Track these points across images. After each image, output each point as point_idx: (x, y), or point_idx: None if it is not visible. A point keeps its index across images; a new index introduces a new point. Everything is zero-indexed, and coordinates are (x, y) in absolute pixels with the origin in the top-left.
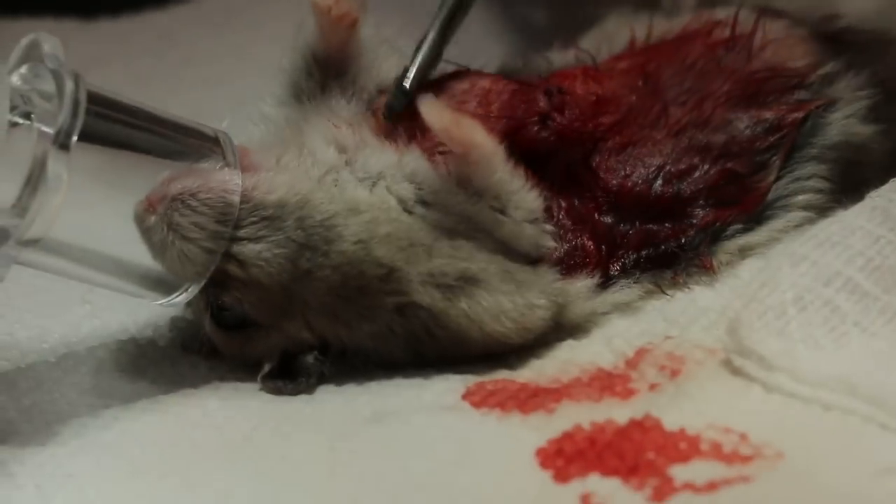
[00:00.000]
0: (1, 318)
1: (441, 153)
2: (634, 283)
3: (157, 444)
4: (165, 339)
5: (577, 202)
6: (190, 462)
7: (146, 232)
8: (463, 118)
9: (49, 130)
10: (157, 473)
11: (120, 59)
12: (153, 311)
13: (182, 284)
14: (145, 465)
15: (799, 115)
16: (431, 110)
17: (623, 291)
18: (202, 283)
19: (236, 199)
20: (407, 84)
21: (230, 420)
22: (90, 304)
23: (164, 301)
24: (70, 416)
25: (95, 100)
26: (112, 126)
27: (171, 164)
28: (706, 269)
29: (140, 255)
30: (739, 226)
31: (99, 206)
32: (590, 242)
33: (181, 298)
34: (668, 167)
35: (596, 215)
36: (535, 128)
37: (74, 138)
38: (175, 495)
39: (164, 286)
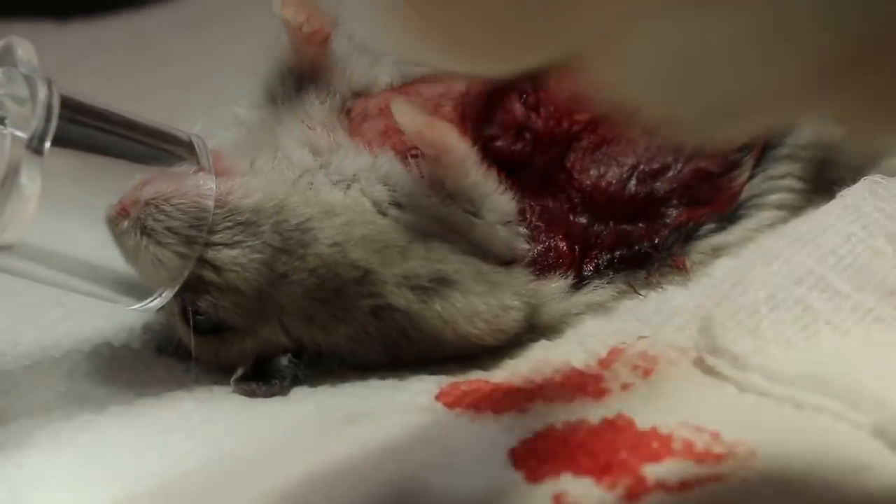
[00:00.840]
0: None
1: (414, 156)
2: (608, 283)
3: (131, 448)
4: (140, 341)
5: (551, 204)
6: (165, 465)
7: (119, 236)
8: (436, 121)
9: (22, 135)
10: (131, 477)
11: (94, 61)
12: (128, 314)
13: (156, 290)
14: (120, 469)
15: None
16: (404, 113)
17: (596, 292)
18: (176, 289)
19: (210, 203)
20: None
21: (205, 422)
22: (64, 307)
23: (138, 306)
24: (45, 420)
25: (69, 105)
26: (85, 131)
27: (144, 168)
28: (679, 269)
29: (113, 260)
30: (712, 225)
31: (72, 212)
32: (563, 243)
33: (155, 304)
34: (641, 166)
35: (570, 216)
36: (512, 141)
37: (48, 144)
38: (149, 499)
39: (137, 291)
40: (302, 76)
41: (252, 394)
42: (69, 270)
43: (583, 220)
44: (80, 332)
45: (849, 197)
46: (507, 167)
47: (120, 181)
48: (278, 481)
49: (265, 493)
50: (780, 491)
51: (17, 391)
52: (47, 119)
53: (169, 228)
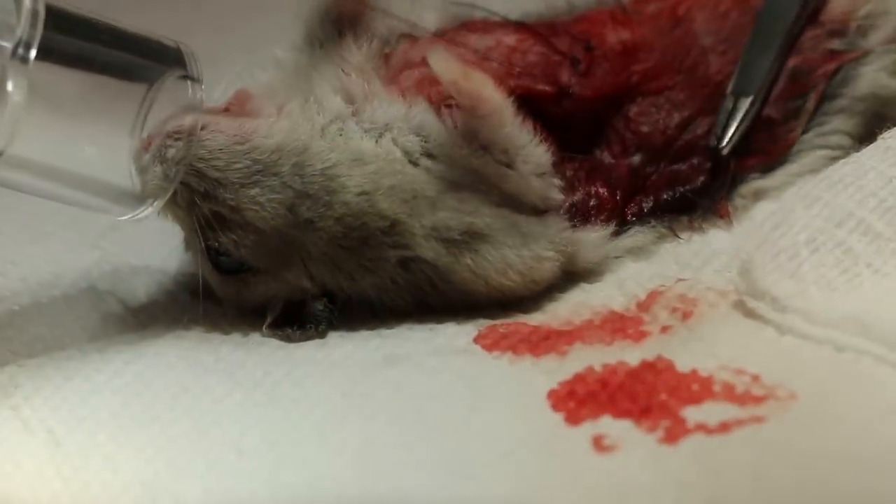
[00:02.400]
0: (13, 265)
1: (448, 106)
2: (649, 228)
3: (169, 390)
4: (177, 284)
5: (597, 151)
6: (202, 407)
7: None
8: (472, 71)
9: (7, 44)
10: (169, 418)
11: (133, 8)
12: (164, 256)
13: (146, 200)
14: (157, 410)
15: (832, 65)
16: (440, 62)
17: (636, 237)
18: (166, 197)
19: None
20: (723, 148)
21: (241, 365)
22: (101, 250)
23: (128, 216)
24: (82, 362)
25: (55, 13)
26: (72, 40)
27: (131, 83)
28: (722, 216)
29: (104, 170)
30: (757, 174)
31: (62, 122)
32: (604, 190)
33: (146, 213)
34: (703, 115)
35: (622, 159)
36: (556, 96)
37: (34, 51)
38: (187, 440)
39: (128, 201)
40: (342, 20)
41: (287, 339)
42: (59, 181)
43: (635, 160)
44: (117, 275)
45: (891, 140)
46: (550, 117)
47: (110, 92)
48: (316, 424)
49: (303, 435)
50: (821, 433)
51: (55, 335)
52: (32, 26)
53: (186, 161)
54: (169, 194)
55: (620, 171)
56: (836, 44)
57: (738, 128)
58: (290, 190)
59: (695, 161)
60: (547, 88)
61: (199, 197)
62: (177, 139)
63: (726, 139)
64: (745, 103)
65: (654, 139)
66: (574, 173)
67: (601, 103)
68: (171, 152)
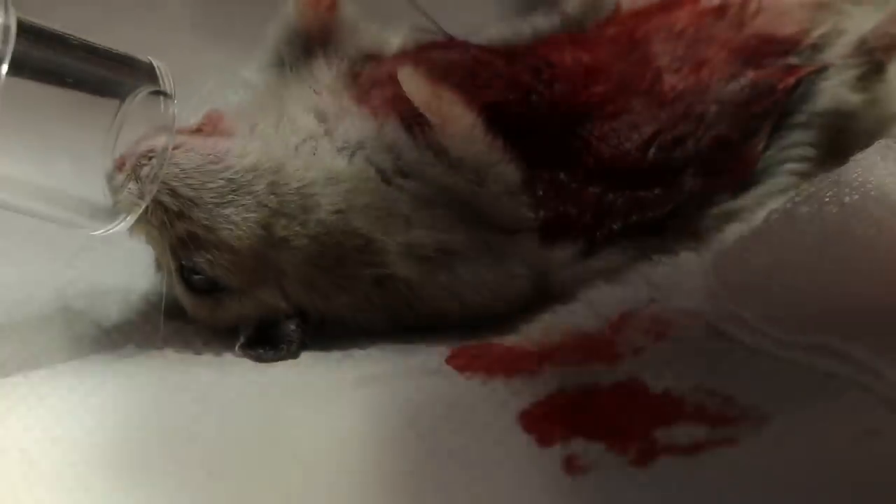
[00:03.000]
0: None
1: (420, 124)
2: (621, 252)
3: (142, 409)
4: (150, 304)
5: (563, 173)
6: (177, 427)
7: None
8: (442, 90)
9: None
10: (142, 438)
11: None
12: (137, 276)
13: (119, 215)
14: (130, 430)
15: (790, 80)
16: (411, 81)
17: (608, 258)
18: (138, 213)
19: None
20: None
21: (215, 385)
22: (75, 269)
23: (101, 231)
24: (55, 382)
25: (27, 28)
26: (45, 55)
27: (104, 98)
28: (693, 236)
29: (75, 185)
30: (726, 197)
31: (34, 136)
32: (573, 209)
33: (118, 229)
34: (662, 135)
35: (584, 185)
36: (521, 104)
37: (5, 66)
38: (162, 460)
39: (100, 215)
40: (310, 40)
41: (259, 359)
42: (30, 195)
43: (597, 189)
44: (92, 293)
45: (862, 161)
46: (517, 134)
47: (81, 106)
48: (289, 445)
49: (276, 456)
50: (793, 455)
51: (28, 351)
52: (4, 41)
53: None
54: (141, 210)
55: (587, 197)
56: (793, 59)
57: None
58: (265, 209)
59: (658, 190)
60: (511, 96)
61: (172, 216)
62: (150, 157)
63: None
64: None
65: (616, 163)
66: (544, 191)
67: (562, 119)
68: (144, 171)
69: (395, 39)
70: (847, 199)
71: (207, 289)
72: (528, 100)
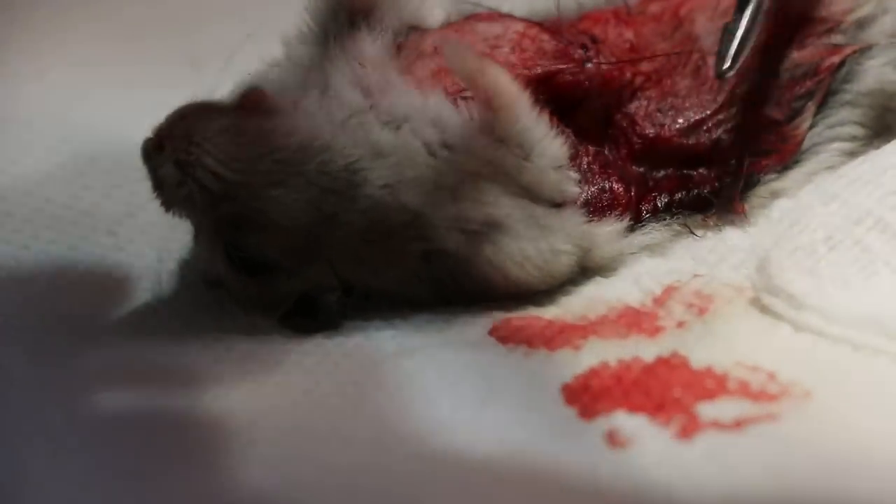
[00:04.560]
0: (25, 250)
1: (465, 98)
2: (665, 225)
3: (182, 377)
4: (190, 273)
5: (608, 149)
6: (215, 395)
7: (154, 168)
8: (487, 64)
9: None
10: (182, 406)
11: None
12: (178, 245)
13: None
14: (171, 398)
15: (835, 59)
16: (456, 55)
17: (652, 234)
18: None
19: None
20: (725, 65)
21: (253, 353)
22: (116, 237)
23: None
24: (96, 349)
25: None
26: None
27: None
28: (738, 214)
29: None
30: (773, 174)
31: None
32: (619, 185)
33: None
34: (707, 117)
35: (629, 162)
36: (570, 75)
37: None
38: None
39: None
40: (354, 11)
41: (300, 329)
42: None
43: (641, 167)
44: (131, 262)
45: None
46: (563, 105)
47: None
48: (327, 414)
49: (314, 426)
50: (835, 432)
51: (68, 322)
52: None
53: (205, 165)
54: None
55: (631, 174)
56: (837, 38)
57: (739, 46)
58: (314, 188)
59: (703, 170)
60: (561, 66)
61: (218, 198)
62: (191, 142)
63: (728, 60)
64: (739, 21)
65: (661, 143)
66: (589, 166)
67: (608, 95)
68: (182, 156)
69: (438, 11)
70: None
71: (256, 269)
72: (574, 75)
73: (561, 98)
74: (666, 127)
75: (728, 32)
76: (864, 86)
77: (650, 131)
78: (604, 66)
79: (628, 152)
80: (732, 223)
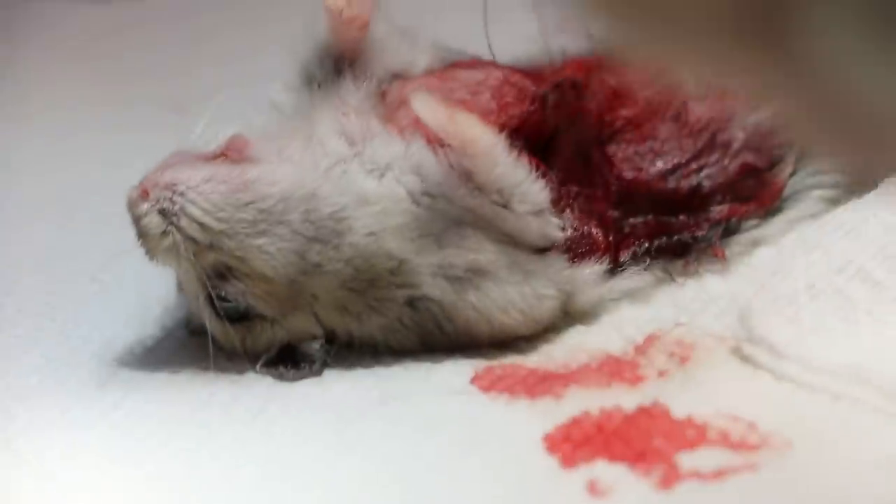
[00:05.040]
0: (8, 295)
1: (443, 145)
2: (644, 269)
3: (164, 425)
4: (174, 319)
5: (587, 194)
6: (198, 442)
7: (137, 218)
8: (457, 112)
9: None
10: (164, 454)
11: (137, 36)
12: (162, 291)
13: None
14: (152, 445)
15: None
16: (424, 106)
17: (633, 279)
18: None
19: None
20: None
21: (237, 401)
22: (99, 283)
23: None
24: (78, 395)
25: None
26: None
27: None
28: (718, 259)
29: None
30: (755, 221)
31: None
32: (597, 230)
33: None
34: (686, 162)
35: (604, 205)
36: (546, 123)
37: None
38: (183, 474)
39: None
40: (340, 59)
41: (281, 377)
42: None
43: (618, 212)
44: (114, 308)
45: (892, 187)
46: (544, 153)
47: None
48: (310, 462)
49: (297, 473)
50: (816, 482)
51: (50, 366)
52: None
53: (189, 215)
54: (168, 243)
55: (607, 219)
56: None
57: None
58: (299, 237)
59: (683, 217)
60: (536, 115)
61: (202, 248)
62: (174, 191)
63: None
64: None
65: (639, 187)
66: (571, 211)
67: (587, 139)
68: (167, 205)
69: (421, 59)
70: None
71: (240, 317)
72: (553, 118)
73: (541, 144)
74: (644, 170)
75: None
76: None
77: (628, 174)
78: (582, 111)
79: (605, 194)
80: (713, 269)
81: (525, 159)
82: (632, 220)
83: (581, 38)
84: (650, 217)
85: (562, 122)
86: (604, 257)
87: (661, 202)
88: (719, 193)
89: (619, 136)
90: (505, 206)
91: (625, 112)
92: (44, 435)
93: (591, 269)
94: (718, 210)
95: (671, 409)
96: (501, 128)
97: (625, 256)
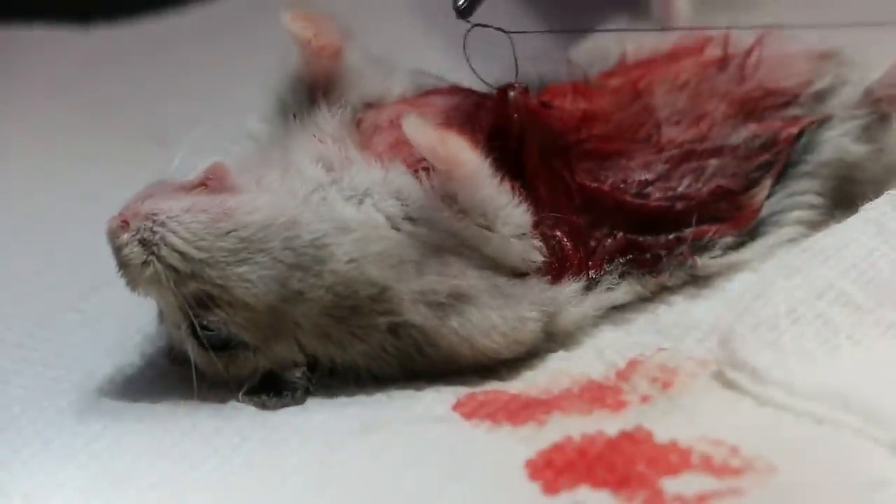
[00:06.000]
0: None
1: (425, 169)
2: (620, 278)
3: (147, 454)
4: (155, 348)
5: (562, 213)
6: (178, 473)
7: (118, 247)
8: (447, 135)
9: None
10: (146, 483)
11: (115, 67)
12: (144, 321)
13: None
14: (135, 475)
15: (793, 131)
16: (415, 128)
17: (610, 291)
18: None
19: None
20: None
21: (219, 431)
22: (81, 314)
23: None
24: (59, 426)
25: None
26: None
27: None
28: (688, 263)
29: None
30: (730, 240)
31: None
32: (568, 243)
33: None
34: (657, 183)
35: (569, 211)
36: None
37: None
38: None
39: None
40: (314, 89)
41: (262, 406)
42: None
43: (582, 220)
44: (97, 339)
45: (871, 211)
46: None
47: None
48: (293, 491)
49: (280, 501)
50: None
51: (32, 397)
52: None
53: (169, 244)
54: (149, 272)
55: (573, 224)
56: (795, 110)
57: None
58: (280, 264)
59: (654, 236)
60: (507, 132)
61: (183, 277)
62: (154, 220)
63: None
64: None
65: (599, 197)
66: (549, 232)
67: (557, 158)
68: (147, 235)
69: (396, 86)
70: None
71: (222, 346)
72: (517, 118)
73: (516, 164)
74: (608, 181)
75: None
76: (822, 156)
77: (590, 182)
78: (552, 129)
79: (568, 200)
80: (688, 286)
81: (507, 184)
82: (599, 233)
83: (558, 65)
84: (619, 234)
85: (526, 124)
86: (578, 273)
87: (630, 219)
88: (691, 214)
89: (584, 147)
90: (489, 229)
91: (594, 131)
92: (25, 465)
93: (570, 288)
94: (690, 230)
95: (654, 435)
96: (479, 147)
97: (596, 273)
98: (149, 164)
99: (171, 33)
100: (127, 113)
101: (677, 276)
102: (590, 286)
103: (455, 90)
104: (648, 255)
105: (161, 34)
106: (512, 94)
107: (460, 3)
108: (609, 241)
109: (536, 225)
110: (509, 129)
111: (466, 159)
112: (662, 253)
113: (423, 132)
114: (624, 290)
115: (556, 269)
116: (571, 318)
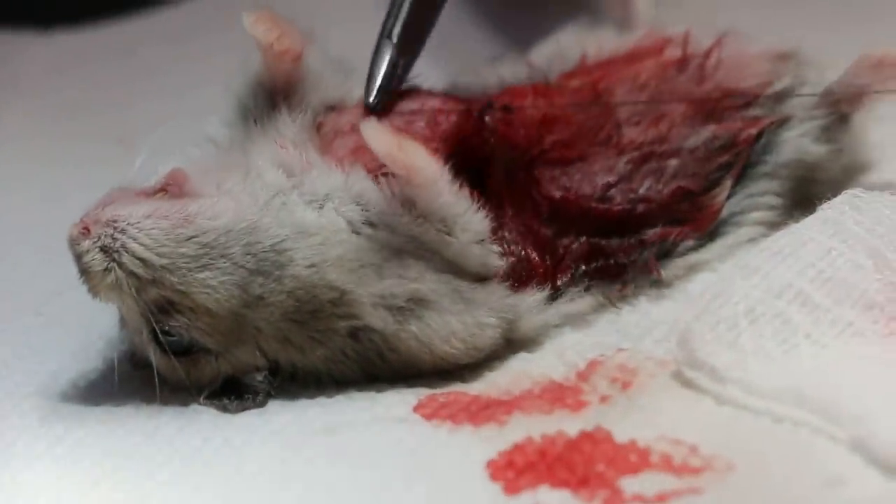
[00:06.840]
0: None
1: (385, 174)
2: (584, 291)
3: (110, 457)
4: (118, 352)
5: (523, 219)
6: (142, 474)
7: (78, 255)
8: (405, 141)
9: None
10: (109, 485)
11: (78, 71)
12: (106, 325)
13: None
14: (97, 477)
15: (753, 131)
16: (373, 134)
17: (573, 302)
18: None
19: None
20: (372, 104)
21: (181, 432)
22: (43, 317)
23: None
24: (22, 429)
25: None
26: None
27: None
28: (652, 275)
29: None
30: (691, 242)
31: None
32: (534, 254)
33: None
34: (619, 185)
35: (536, 224)
36: (477, 145)
37: None
38: None
39: None
40: (274, 92)
41: (224, 409)
42: None
43: (550, 231)
44: (58, 342)
45: (829, 211)
46: (476, 172)
47: None
48: (254, 492)
49: (242, 502)
50: None
51: None
52: None
53: (130, 251)
54: (110, 279)
55: (541, 238)
56: (755, 111)
57: (384, 83)
58: (240, 270)
59: (617, 239)
60: (468, 137)
61: (145, 283)
62: (115, 227)
63: (373, 94)
64: (391, 56)
65: (565, 205)
66: (509, 238)
67: (517, 162)
68: (108, 241)
69: (357, 90)
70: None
71: (183, 351)
72: (484, 141)
73: (471, 162)
74: (572, 190)
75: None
76: (782, 157)
77: (555, 193)
78: (512, 133)
79: (535, 214)
80: (651, 292)
81: (466, 190)
82: (565, 241)
83: (518, 66)
84: (584, 239)
85: (497, 144)
86: (543, 282)
87: (595, 225)
88: (653, 216)
89: (547, 157)
90: (448, 235)
91: (554, 136)
92: None
93: (533, 297)
94: (652, 233)
95: (614, 434)
96: (439, 153)
97: (563, 280)
98: (111, 167)
99: (133, 37)
100: (89, 116)
101: (641, 286)
102: (554, 296)
103: (417, 92)
104: (613, 262)
105: (123, 38)
106: (488, 118)
107: (372, 101)
108: (575, 246)
109: (498, 234)
110: (480, 148)
111: (425, 165)
112: (626, 261)
113: (381, 137)
114: (588, 303)
115: (521, 278)
116: (532, 326)
